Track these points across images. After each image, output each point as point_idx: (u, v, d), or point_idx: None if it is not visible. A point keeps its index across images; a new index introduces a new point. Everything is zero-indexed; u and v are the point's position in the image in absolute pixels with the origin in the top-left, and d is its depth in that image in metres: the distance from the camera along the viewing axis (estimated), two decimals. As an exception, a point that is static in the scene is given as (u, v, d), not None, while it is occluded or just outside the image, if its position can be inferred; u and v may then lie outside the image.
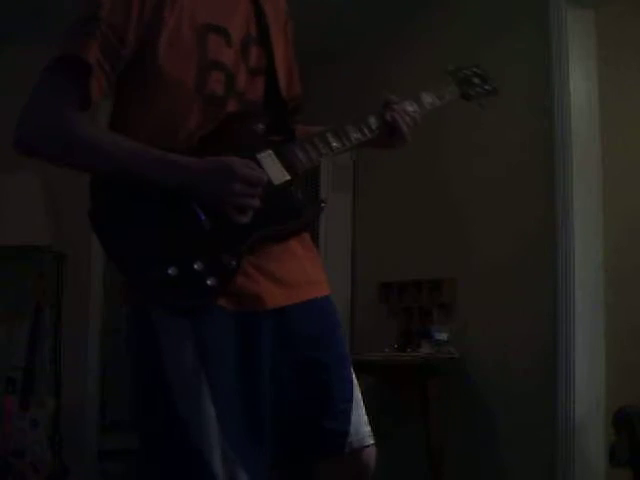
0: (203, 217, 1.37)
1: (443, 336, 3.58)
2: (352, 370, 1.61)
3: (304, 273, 1.56)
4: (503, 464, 3.37)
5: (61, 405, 4.04)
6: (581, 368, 3.11)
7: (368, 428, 1.60)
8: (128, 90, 1.47)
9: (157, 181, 1.36)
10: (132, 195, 1.37)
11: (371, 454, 1.60)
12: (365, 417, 1.60)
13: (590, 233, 3.22)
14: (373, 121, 1.63)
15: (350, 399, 1.58)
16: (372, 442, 1.60)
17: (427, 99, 1.76)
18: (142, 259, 1.33)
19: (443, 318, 3.74)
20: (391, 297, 4.07)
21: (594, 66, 3.32)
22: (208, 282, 1.33)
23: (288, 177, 1.47)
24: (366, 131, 1.61)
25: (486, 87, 1.90)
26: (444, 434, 3.44)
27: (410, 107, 1.70)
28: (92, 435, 4.52)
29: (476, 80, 1.89)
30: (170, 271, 1.31)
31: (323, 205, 1.58)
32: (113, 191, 1.37)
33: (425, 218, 3.93)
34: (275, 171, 1.46)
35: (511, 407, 3.34)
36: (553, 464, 3.10)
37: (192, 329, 1.38)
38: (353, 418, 1.57)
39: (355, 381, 1.61)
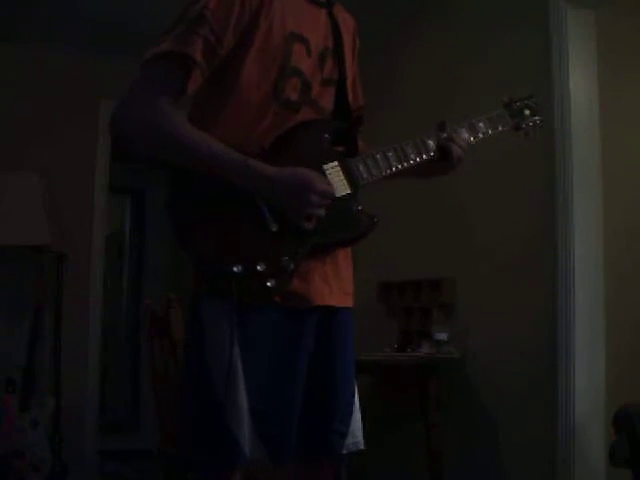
0: (270, 220, 1.46)
1: (443, 336, 3.58)
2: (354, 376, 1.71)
3: (342, 283, 1.69)
4: (503, 464, 3.37)
5: (61, 405, 4.05)
6: (581, 368, 3.11)
7: (361, 433, 1.68)
8: (210, 87, 1.52)
9: (238, 184, 1.44)
10: (209, 190, 1.45)
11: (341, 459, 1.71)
12: (360, 423, 1.69)
13: (590, 233, 3.22)
14: (431, 145, 1.70)
15: (352, 402, 1.67)
16: (363, 447, 1.68)
17: (481, 128, 1.81)
18: (212, 253, 1.43)
19: (443, 318, 3.74)
20: (391, 297, 4.07)
21: (594, 66, 3.32)
22: (268, 284, 1.44)
23: (349, 191, 1.57)
24: (423, 154, 1.69)
25: (536, 119, 1.96)
26: (444, 434, 3.44)
27: (466, 134, 1.77)
28: (92, 435, 4.53)
29: (527, 112, 1.93)
30: (236, 269, 1.40)
31: (376, 220, 1.62)
32: (192, 185, 1.47)
33: (425, 218, 3.93)
34: (338, 183, 1.55)
35: (511, 407, 3.34)
36: (553, 464, 3.10)
37: (238, 316, 1.45)
38: (353, 421, 1.65)
39: (356, 387, 1.70)
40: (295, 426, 1.53)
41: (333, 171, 1.55)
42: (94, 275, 4.62)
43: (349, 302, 1.72)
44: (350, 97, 1.69)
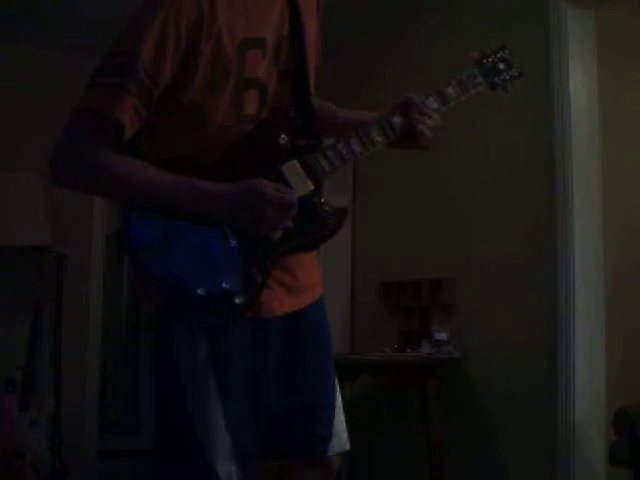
0: (231, 235, 1.39)
1: (443, 336, 3.58)
2: (335, 374, 1.64)
3: (310, 276, 1.58)
4: (503, 464, 3.37)
5: (61, 405, 4.04)
6: (581, 368, 3.11)
7: (346, 434, 1.63)
8: (159, 111, 1.42)
9: (191, 211, 1.38)
10: (163, 215, 1.38)
11: (339, 460, 1.65)
12: (344, 423, 1.63)
13: (590, 233, 3.22)
14: (397, 122, 1.58)
15: (334, 404, 1.61)
16: (349, 447, 1.63)
17: (452, 94, 1.67)
18: (172, 278, 1.35)
19: (443, 318, 3.74)
20: (391, 297, 4.07)
21: (594, 66, 3.32)
22: (237, 301, 1.37)
23: (312, 187, 1.48)
24: (390, 133, 1.57)
25: (511, 73, 1.76)
26: (444, 434, 3.44)
27: (434, 104, 1.64)
28: (92, 435, 4.53)
29: (501, 66, 1.75)
30: (199, 292, 1.33)
31: (347, 212, 1.54)
32: (146, 214, 1.38)
33: (425, 218, 3.93)
34: (299, 182, 1.46)
35: (511, 407, 3.34)
36: (553, 464, 3.10)
37: (205, 333, 1.40)
38: (336, 423, 1.60)
39: (337, 386, 1.63)
40: (261, 433, 1.48)
41: (292, 170, 1.46)
42: (94, 275, 4.62)
43: (317, 293, 1.61)
44: (312, 81, 1.58)
